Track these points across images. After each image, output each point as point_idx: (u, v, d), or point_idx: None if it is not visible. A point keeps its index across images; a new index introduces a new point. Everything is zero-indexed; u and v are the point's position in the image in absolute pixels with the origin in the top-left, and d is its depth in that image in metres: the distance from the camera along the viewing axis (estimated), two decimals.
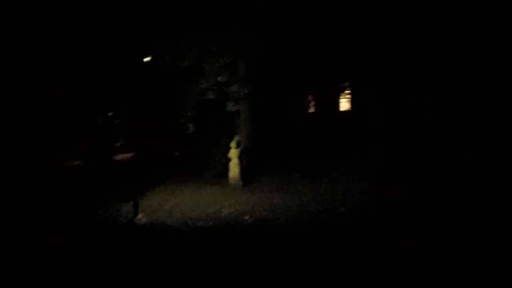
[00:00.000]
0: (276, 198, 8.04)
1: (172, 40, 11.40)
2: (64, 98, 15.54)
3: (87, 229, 6.20)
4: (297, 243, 5.42)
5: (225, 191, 9.13)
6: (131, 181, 10.72)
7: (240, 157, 10.01)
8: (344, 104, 22.34)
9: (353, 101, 22.02)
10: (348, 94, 21.82)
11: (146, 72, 13.79)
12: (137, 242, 5.72)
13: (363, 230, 5.89)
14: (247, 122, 11.78)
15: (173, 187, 9.83)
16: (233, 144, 9.88)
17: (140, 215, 6.55)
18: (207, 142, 11.62)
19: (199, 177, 11.07)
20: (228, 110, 11.47)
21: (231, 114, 11.64)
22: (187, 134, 12.20)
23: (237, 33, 10.97)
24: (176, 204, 7.96)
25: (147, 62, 9.83)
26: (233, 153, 9.92)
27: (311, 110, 22.11)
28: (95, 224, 6.43)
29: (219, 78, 11.34)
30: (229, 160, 10.01)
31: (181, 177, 11.26)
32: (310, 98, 22.22)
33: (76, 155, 18.18)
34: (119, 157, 21.02)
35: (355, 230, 5.88)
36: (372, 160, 10.24)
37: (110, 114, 28.54)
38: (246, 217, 6.74)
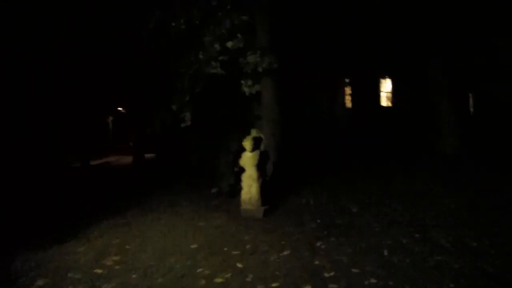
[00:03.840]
0: (324, 258, 3.79)
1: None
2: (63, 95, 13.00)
3: None
4: None
5: (230, 231, 4.98)
6: (100, 200, 7.00)
7: (260, 165, 5.86)
8: (385, 98, 19.37)
9: (395, 95, 18.92)
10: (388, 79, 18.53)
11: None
12: None
13: None
14: (273, 111, 7.61)
15: (144, 217, 5.83)
16: (247, 142, 5.72)
17: None
18: (209, 140, 7.59)
19: (197, 197, 7.09)
20: (244, 92, 7.40)
21: (248, 98, 7.57)
22: (183, 129, 8.17)
23: None
24: (123, 261, 3.83)
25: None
26: (248, 158, 5.79)
27: (349, 105, 19.21)
28: None
29: (229, 44, 7.29)
30: (241, 170, 5.90)
31: (172, 195, 7.36)
32: (347, 91, 19.37)
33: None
34: (121, 160, 18.01)
35: None
36: None
37: (122, 111, 25.93)
38: None
